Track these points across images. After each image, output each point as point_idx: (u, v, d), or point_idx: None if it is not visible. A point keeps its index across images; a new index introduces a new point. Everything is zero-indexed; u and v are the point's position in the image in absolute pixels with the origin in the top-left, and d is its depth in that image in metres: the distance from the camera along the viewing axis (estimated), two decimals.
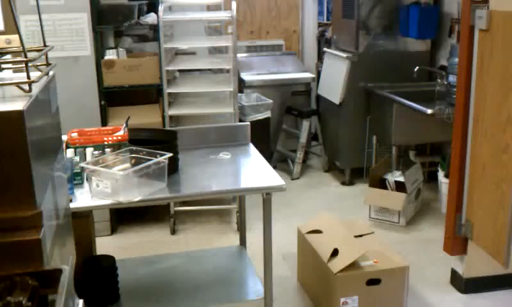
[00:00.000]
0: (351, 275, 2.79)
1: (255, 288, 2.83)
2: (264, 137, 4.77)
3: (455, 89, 3.31)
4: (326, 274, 2.84)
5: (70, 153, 2.52)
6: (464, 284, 3.18)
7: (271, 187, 2.49)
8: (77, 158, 2.49)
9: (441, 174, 4.20)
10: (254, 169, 2.75)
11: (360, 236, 3.12)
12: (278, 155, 5.24)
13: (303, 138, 4.97)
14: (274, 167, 4.97)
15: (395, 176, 4.18)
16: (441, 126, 3.83)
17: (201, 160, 2.80)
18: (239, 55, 4.36)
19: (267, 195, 2.49)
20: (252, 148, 3.01)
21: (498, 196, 2.79)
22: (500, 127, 2.73)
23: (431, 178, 4.61)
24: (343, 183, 4.86)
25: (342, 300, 2.81)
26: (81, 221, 2.78)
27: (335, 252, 2.86)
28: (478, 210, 2.99)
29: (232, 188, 2.63)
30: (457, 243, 3.15)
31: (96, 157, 2.50)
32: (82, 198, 2.33)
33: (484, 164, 2.90)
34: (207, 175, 2.61)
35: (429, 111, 3.76)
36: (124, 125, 2.76)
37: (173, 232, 3.97)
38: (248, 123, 3.15)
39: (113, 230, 3.97)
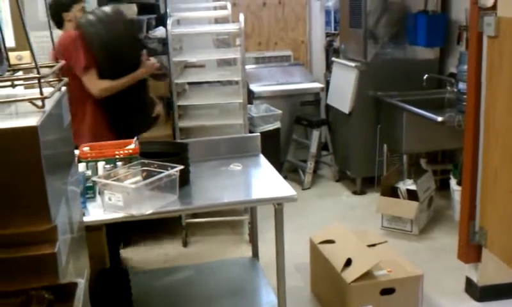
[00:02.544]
0: (365, 285, 2.77)
1: (268, 299, 2.82)
2: (274, 148, 4.77)
3: (465, 96, 3.30)
4: (340, 284, 2.82)
5: (81, 167, 2.53)
6: (479, 292, 3.15)
7: (282, 197, 2.49)
8: (89, 172, 2.51)
9: (453, 182, 4.18)
10: (265, 180, 2.75)
11: (373, 245, 3.10)
12: (289, 165, 5.24)
13: (313, 148, 4.96)
14: (285, 178, 4.98)
15: (407, 185, 4.16)
16: (452, 133, 3.81)
17: (212, 171, 2.81)
18: (247, 66, 4.38)
19: (278, 205, 2.48)
20: (263, 159, 3.01)
21: (511, 202, 2.77)
22: None
23: (443, 186, 4.58)
24: (354, 193, 4.85)
25: None
26: (94, 234, 2.79)
27: (348, 262, 2.85)
28: (491, 216, 2.97)
29: (243, 199, 2.65)
30: (471, 251, 3.12)
31: (108, 170, 2.51)
32: (95, 212, 2.34)
33: (496, 170, 2.88)
34: (218, 187, 2.61)
35: (440, 119, 3.75)
36: (135, 138, 2.78)
37: (185, 244, 3.97)
38: (258, 134, 3.15)
39: (126, 243, 3.98)
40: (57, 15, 3.12)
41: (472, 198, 3.07)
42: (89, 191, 2.44)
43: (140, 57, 3.27)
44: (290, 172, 5.22)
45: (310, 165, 4.99)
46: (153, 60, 3.29)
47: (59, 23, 3.15)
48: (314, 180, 5.10)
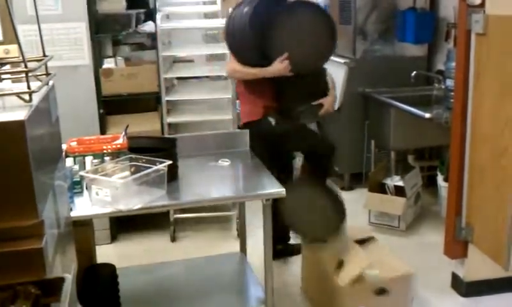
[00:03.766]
0: (357, 287, 2.79)
1: (256, 294, 2.83)
2: None
3: (452, 93, 3.33)
4: (332, 286, 2.83)
5: (69, 162, 2.52)
6: (465, 288, 3.19)
7: (270, 193, 2.50)
8: (77, 167, 2.50)
9: (440, 178, 4.21)
10: (253, 176, 2.76)
11: (362, 241, 3.12)
12: None
13: None
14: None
15: (395, 181, 4.18)
16: (439, 130, 3.84)
17: (200, 167, 2.81)
18: None
19: (266, 201, 2.49)
20: (251, 154, 3.02)
21: (497, 198, 2.80)
22: (499, 130, 2.74)
23: (430, 182, 4.62)
24: (342, 188, 4.86)
25: None
26: (81, 230, 2.77)
27: (341, 263, 2.86)
28: (478, 213, 3.00)
29: (231, 195, 2.65)
30: (457, 246, 3.15)
31: (96, 165, 2.50)
32: (82, 207, 2.33)
33: (482, 167, 2.91)
34: (206, 182, 2.61)
35: (427, 115, 3.77)
36: (123, 133, 2.77)
37: (173, 240, 3.97)
38: (247, 129, 3.15)
39: (113, 238, 3.97)
40: None
41: (458, 194, 3.10)
42: (76, 186, 2.43)
43: (270, 56, 3.18)
44: None
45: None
46: (285, 63, 3.14)
47: None
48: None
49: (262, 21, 3.09)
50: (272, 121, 3.28)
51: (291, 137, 3.38)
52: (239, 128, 3.60)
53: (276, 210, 3.45)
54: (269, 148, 3.26)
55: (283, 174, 3.21)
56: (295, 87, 3.29)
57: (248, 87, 3.34)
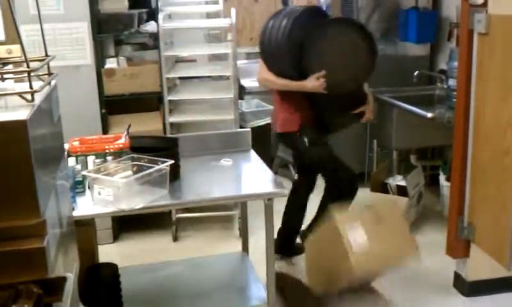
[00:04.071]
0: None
1: (257, 294, 2.83)
2: (265, 143, 4.77)
3: (455, 93, 3.32)
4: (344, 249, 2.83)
5: (71, 161, 2.52)
6: (468, 288, 3.18)
7: (272, 192, 2.50)
8: (79, 167, 2.50)
9: (442, 178, 4.20)
10: (255, 175, 2.76)
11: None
12: (279, 161, 5.23)
13: None
14: (276, 173, 4.99)
15: (397, 181, 4.18)
16: (441, 129, 3.83)
17: (202, 167, 2.81)
18: (239, 62, 4.37)
19: (268, 201, 2.49)
20: (253, 154, 3.02)
21: (499, 198, 2.80)
22: (501, 130, 2.74)
23: (433, 182, 4.61)
24: None
25: None
26: (83, 229, 2.77)
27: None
28: (480, 212, 2.99)
29: (233, 194, 2.65)
30: (459, 246, 3.15)
31: (98, 165, 2.50)
32: (85, 206, 2.33)
33: (485, 167, 2.90)
34: (208, 182, 2.61)
35: (429, 115, 3.77)
36: (125, 133, 2.77)
37: (175, 239, 3.97)
38: (249, 129, 3.16)
39: (115, 238, 3.97)
40: None
41: (460, 194, 3.09)
42: (78, 185, 2.43)
43: (306, 71, 3.13)
44: (280, 167, 5.22)
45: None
46: (321, 81, 3.08)
47: None
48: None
49: (300, 35, 3.05)
50: (306, 141, 3.26)
51: (320, 162, 3.39)
52: (275, 135, 3.65)
53: (286, 209, 3.48)
54: (298, 161, 3.41)
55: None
56: (333, 99, 3.24)
57: (284, 97, 3.33)
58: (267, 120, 4.83)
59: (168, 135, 3.79)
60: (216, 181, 2.62)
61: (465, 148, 3.03)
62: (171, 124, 3.93)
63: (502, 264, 2.82)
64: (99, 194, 2.32)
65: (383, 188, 4.19)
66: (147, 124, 3.96)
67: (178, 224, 3.99)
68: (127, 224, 4.04)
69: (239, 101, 4.60)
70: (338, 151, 4.68)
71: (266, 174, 2.69)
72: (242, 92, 5.05)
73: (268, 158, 4.83)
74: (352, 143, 4.73)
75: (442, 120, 3.73)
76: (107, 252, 3.59)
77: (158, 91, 3.93)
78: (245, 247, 3.27)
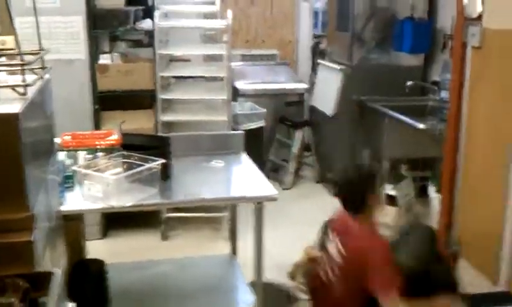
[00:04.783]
0: None
1: (245, 297, 2.82)
2: (257, 146, 4.77)
3: (447, 105, 3.34)
4: None
5: (62, 155, 2.51)
6: None
7: (262, 196, 2.50)
8: (69, 161, 2.49)
9: (432, 189, 4.21)
10: (246, 178, 2.76)
11: None
12: (271, 165, 5.24)
13: (295, 148, 4.98)
14: (267, 177, 4.98)
15: (387, 190, 4.19)
16: (432, 141, 3.85)
17: (193, 167, 2.80)
18: (233, 63, 4.38)
19: (258, 204, 2.49)
20: (245, 157, 3.02)
21: (489, 213, 2.81)
22: (492, 145, 2.76)
23: (423, 193, 4.62)
24: (335, 195, 4.86)
25: None
26: (71, 224, 2.76)
27: None
28: (469, 227, 3.01)
29: (223, 196, 2.64)
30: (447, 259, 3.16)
31: (89, 160, 2.49)
32: (74, 201, 2.32)
33: (475, 181, 2.92)
34: (199, 182, 2.61)
35: (421, 126, 3.78)
36: (118, 130, 2.76)
37: (164, 238, 3.96)
38: (242, 131, 3.15)
39: (104, 234, 3.95)
40: (360, 194, 2.37)
41: (449, 208, 3.11)
42: (68, 180, 2.42)
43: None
44: (272, 171, 5.22)
45: (292, 165, 5.01)
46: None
47: (357, 207, 2.38)
48: (296, 180, 5.12)
49: None
50: None
51: None
52: None
53: None
54: None
55: None
56: None
57: None
58: (260, 123, 4.84)
59: (160, 133, 3.78)
60: (206, 183, 2.62)
61: (455, 161, 3.05)
62: (163, 122, 3.92)
63: (487, 277, 2.84)
64: (89, 189, 2.31)
65: None
66: (139, 121, 3.95)
67: (167, 223, 3.98)
68: (115, 221, 4.02)
69: (232, 103, 4.60)
70: (330, 159, 4.71)
71: (257, 178, 2.69)
72: (235, 94, 5.04)
73: (260, 162, 4.83)
74: (343, 150, 4.74)
75: (433, 132, 3.74)
76: (95, 249, 3.57)
77: (151, 89, 3.92)
78: (233, 250, 3.27)
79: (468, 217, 2.98)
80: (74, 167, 2.40)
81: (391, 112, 4.15)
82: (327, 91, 4.87)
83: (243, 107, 4.99)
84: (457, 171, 3.03)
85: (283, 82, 5.49)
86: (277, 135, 5.20)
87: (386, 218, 3.97)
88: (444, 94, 3.94)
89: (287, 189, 4.99)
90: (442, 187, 3.19)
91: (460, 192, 3.02)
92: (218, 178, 2.73)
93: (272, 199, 2.50)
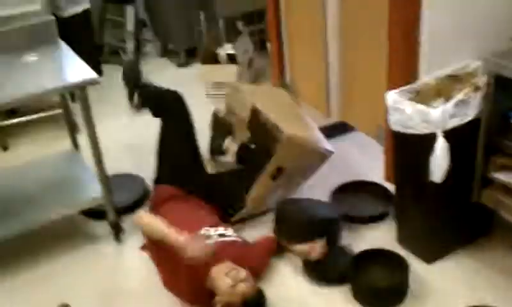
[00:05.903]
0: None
1: (93, 187, 2.73)
2: (87, 32, 4.45)
3: None
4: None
5: None
6: None
7: (85, 81, 2.37)
8: None
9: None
10: (66, 67, 2.59)
11: None
12: (108, 48, 4.98)
13: (130, 26, 4.74)
14: (107, 62, 4.76)
15: (226, 50, 4.18)
16: None
17: (4, 66, 2.56)
18: None
19: (81, 90, 2.37)
20: (63, 45, 2.80)
21: (314, 51, 2.91)
22: None
23: (262, 46, 4.67)
24: (180, 65, 4.79)
25: None
26: None
27: None
28: (299, 68, 3.11)
29: (45, 89, 2.43)
30: None
31: None
32: None
33: (297, 25, 2.98)
34: (14, 82, 2.41)
35: None
36: None
37: (5, 149, 3.72)
38: (52, 17, 2.88)
39: None
40: None
41: (279, 55, 3.17)
42: None
43: None
44: (110, 55, 4.97)
45: (130, 44, 4.79)
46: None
47: None
48: (139, 57, 4.93)
49: None
50: None
51: None
52: None
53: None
54: None
55: None
56: None
57: None
58: (85, 5, 4.46)
59: None
60: (22, 81, 2.41)
61: (278, 14, 3.06)
62: None
63: (322, 112, 3.01)
64: None
65: (215, 59, 4.17)
66: None
67: (5, 132, 3.70)
68: None
69: None
70: (168, 29, 4.54)
71: (77, 65, 2.53)
72: None
73: (94, 48, 4.56)
74: (180, 18, 4.60)
75: None
76: None
77: None
78: (75, 145, 3.14)
79: (298, 60, 3.07)
80: None
81: None
82: None
83: None
84: (280, 24, 3.06)
85: None
86: (108, 15, 4.89)
87: (229, 77, 4.00)
88: None
89: None
90: (270, 36, 3.23)
91: (287, 42, 3.08)
92: (34, 73, 2.51)
93: (95, 82, 2.38)
